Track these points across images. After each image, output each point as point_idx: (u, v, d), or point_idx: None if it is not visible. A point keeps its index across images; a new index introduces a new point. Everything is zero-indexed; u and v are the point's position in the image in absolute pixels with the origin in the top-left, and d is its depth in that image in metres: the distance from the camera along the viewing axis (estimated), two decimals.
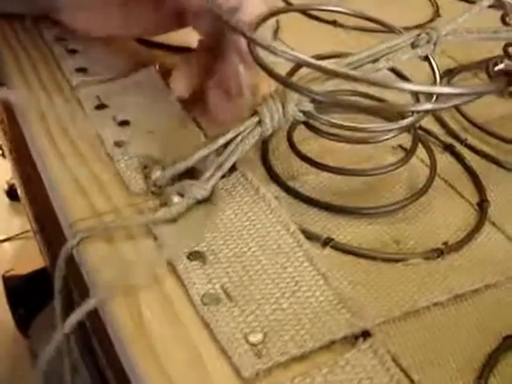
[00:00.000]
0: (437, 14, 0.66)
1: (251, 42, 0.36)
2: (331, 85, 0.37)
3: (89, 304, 0.30)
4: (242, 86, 0.41)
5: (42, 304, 1.06)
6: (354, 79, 0.34)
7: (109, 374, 0.44)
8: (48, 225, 0.58)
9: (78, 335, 0.50)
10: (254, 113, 0.37)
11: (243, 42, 0.38)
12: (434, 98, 0.38)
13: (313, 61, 0.34)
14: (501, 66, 0.33)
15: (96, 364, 0.48)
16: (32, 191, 0.70)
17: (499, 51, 0.52)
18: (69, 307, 0.33)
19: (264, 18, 0.40)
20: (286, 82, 0.36)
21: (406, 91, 0.38)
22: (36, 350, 1.00)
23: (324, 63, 0.34)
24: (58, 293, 0.34)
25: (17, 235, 1.54)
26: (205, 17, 0.43)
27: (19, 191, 0.93)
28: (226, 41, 0.41)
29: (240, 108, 0.41)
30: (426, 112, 0.40)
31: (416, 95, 0.40)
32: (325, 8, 0.46)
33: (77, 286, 0.38)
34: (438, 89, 0.38)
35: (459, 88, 0.35)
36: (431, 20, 0.64)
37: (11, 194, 1.64)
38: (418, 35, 0.40)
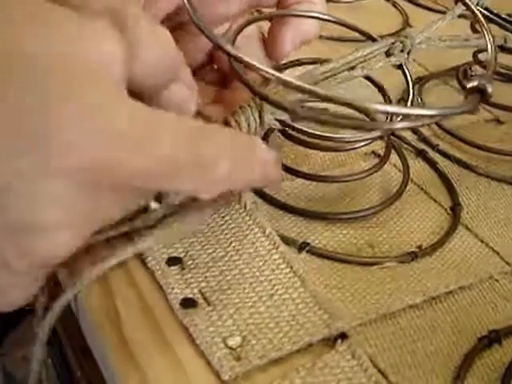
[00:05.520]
0: (406, 23, 0.68)
1: (230, 56, 0.36)
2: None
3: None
4: None
5: (14, 321, 1.05)
6: (326, 99, 0.33)
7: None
8: None
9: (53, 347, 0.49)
10: (231, 122, 0.36)
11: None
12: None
13: (287, 78, 0.33)
14: (474, 83, 0.34)
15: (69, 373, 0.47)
16: None
17: (468, 58, 0.53)
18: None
19: (241, 27, 0.40)
20: (262, 96, 0.36)
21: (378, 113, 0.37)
22: (8, 368, 0.98)
23: (299, 82, 0.33)
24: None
25: None
26: None
27: None
28: None
29: None
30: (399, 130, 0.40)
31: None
32: (303, 14, 0.45)
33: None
34: (409, 110, 0.36)
35: (432, 109, 0.34)
36: (402, 29, 0.65)
37: None
38: (393, 43, 0.40)
